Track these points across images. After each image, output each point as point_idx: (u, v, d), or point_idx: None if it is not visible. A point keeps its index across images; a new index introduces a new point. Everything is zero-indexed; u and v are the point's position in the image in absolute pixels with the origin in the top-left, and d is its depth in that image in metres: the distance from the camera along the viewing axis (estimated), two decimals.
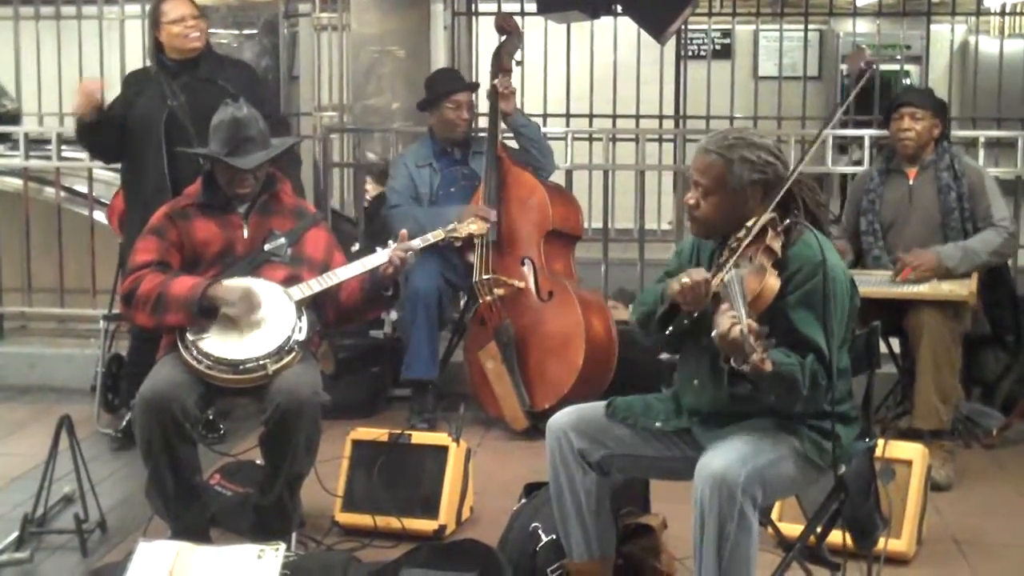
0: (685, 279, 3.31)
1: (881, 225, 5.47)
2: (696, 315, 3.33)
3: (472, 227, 4.74)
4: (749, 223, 3.33)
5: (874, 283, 5.22)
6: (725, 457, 3.23)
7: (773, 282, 3.19)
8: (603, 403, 3.65)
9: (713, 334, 3.11)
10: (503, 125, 6.16)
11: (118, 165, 5.82)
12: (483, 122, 6.45)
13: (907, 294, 5.17)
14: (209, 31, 5.68)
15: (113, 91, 5.70)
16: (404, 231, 4.40)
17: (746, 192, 3.38)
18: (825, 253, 3.29)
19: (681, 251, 3.70)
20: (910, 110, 5.40)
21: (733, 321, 3.04)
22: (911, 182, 5.45)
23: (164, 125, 5.38)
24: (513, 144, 6.23)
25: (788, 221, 3.34)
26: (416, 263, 4.81)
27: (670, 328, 3.43)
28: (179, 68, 5.50)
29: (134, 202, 5.58)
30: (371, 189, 7.20)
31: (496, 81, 6.11)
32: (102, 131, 5.44)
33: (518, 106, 6.31)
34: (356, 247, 6.38)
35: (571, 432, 3.58)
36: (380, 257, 4.31)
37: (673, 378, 3.67)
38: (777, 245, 3.27)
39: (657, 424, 3.58)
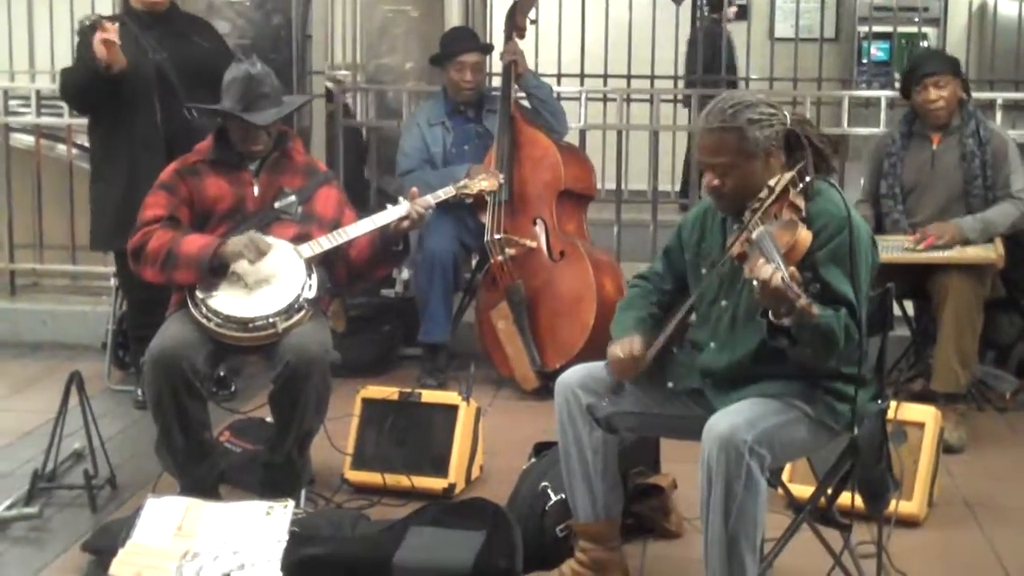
0: (615, 349, 3.48)
1: (902, 189, 5.41)
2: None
3: (483, 183, 4.72)
4: (771, 182, 3.29)
5: (895, 248, 5.19)
6: (733, 418, 3.22)
7: (806, 234, 3.15)
8: None
9: (754, 284, 3.06)
10: (516, 87, 6.13)
11: None
12: (497, 82, 6.40)
13: (933, 258, 5.13)
14: None
15: None
16: (415, 189, 4.38)
17: (764, 150, 3.34)
18: (849, 207, 3.27)
19: (682, 227, 3.67)
20: (933, 79, 5.30)
21: (775, 269, 3.00)
22: (935, 147, 5.38)
23: (155, 80, 5.30)
24: (526, 103, 6.19)
25: (808, 178, 3.30)
26: (431, 226, 4.82)
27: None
28: (152, 21, 5.42)
29: (113, 156, 5.45)
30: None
31: (504, 49, 6.06)
32: (109, 83, 5.23)
33: (531, 67, 6.27)
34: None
35: (579, 389, 3.58)
36: (391, 214, 4.30)
37: (684, 339, 3.65)
38: (801, 201, 3.24)
39: (669, 384, 3.56)
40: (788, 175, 3.28)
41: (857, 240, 3.26)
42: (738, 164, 3.32)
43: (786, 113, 3.40)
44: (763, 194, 3.29)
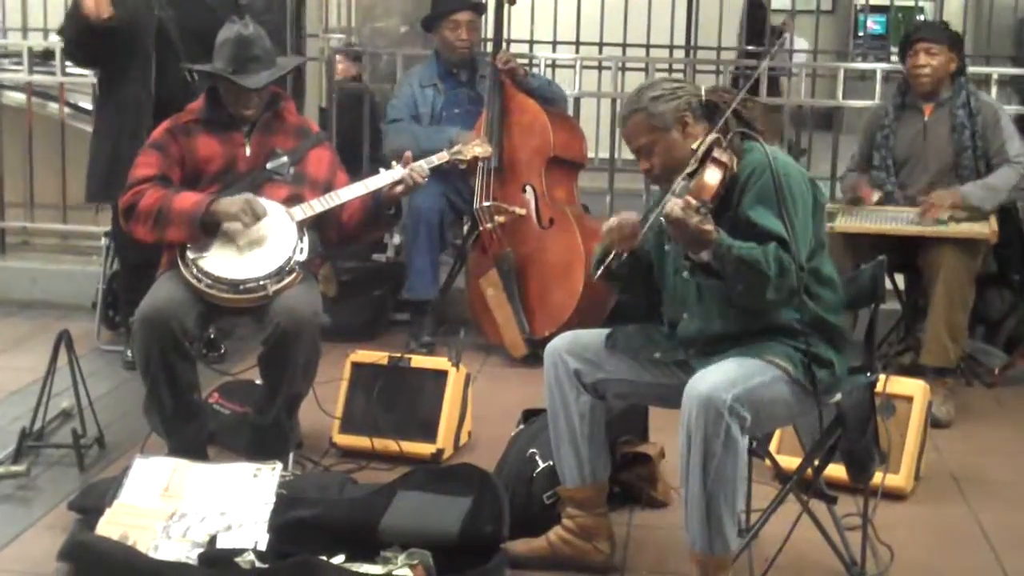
0: (613, 219, 3.49)
1: (895, 161, 5.42)
2: (625, 255, 3.48)
3: (477, 150, 4.72)
4: (695, 146, 3.41)
5: (890, 219, 5.19)
6: (714, 377, 3.24)
7: (712, 173, 3.28)
8: (603, 331, 3.64)
9: (661, 219, 3.22)
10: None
11: None
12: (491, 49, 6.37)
13: (926, 231, 5.13)
14: None
15: None
16: (408, 153, 4.37)
17: (677, 120, 3.47)
18: (771, 152, 3.34)
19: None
20: (925, 45, 5.32)
21: (674, 203, 3.16)
22: (926, 118, 5.39)
23: (155, 35, 5.27)
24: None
25: (731, 135, 3.39)
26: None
27: (606, 268, 3.55)
28: None
29: (111, 109, 5.45)
30: (341, 69, 7.09)
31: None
32: (102, 35, 5.16)
33: (524, 34, 6.24)
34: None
35: (568, 355, 3.59)
36: (384, 178, 4.28)
37: (663, 313, 3.66)
38: (726, 157, 3.32)
39: (656, 355, 3.57)
40: (711, 137, 3.39)
41: (785, 178, 3.31)
42: (656, 140, 3.48)
43: (700, 87, 3.55)
44: (691, 159, 3.40)
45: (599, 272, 3.57)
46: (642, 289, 3.66)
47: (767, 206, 3.30)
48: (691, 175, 3.34)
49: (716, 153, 3.32)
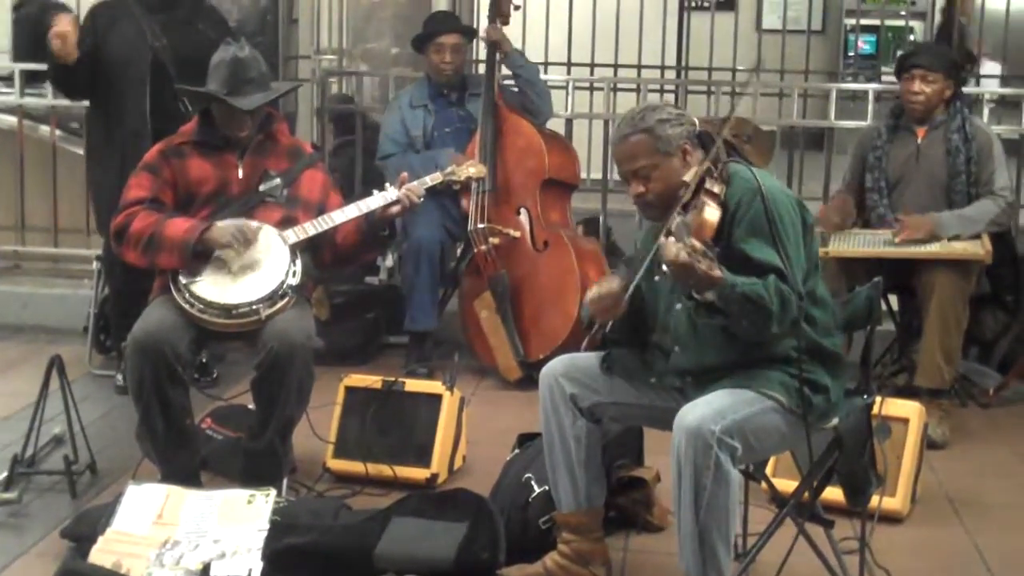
0: (593, 290, 3.45)
1: (887, 182, 5.41)
2: (614, 323, 3.43)
3: (471, 170, 4.71)
4: (686, 177, 3.37)
5: (883, 243, 5.19)
6: (702, 409, 3.22)
7: (711, 211, 3.23)
8: (598, 354, 3.62)
9: (663, 266, 3.15)
10: (502, 67, 6.10)
11: None
12: (483, 70, 6.38)
13: (920, 253, 5.12)
14: None
15: None
16: (404, 174, 4.36)
17: (679, 147, 3.42)
18: (760, 179, 3.30)
19: (640, 239, 3.71)
20: (921, 72, 5.29)
21: (679, 247, 3.08)
22: (919, 141, 5.37)
23: (150, 67, 5.26)
24: (514, 88, 6.15)
25: (720, 164, 3.36)
26: (417, 213, 4.79)
27: (591, 340, 3.53)
28: (157, 4, 5.38)
29: (107, 141, 5.45)
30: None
31: (486, 29, 6.04)
32: (78, 71, 5.24)
33: (518, 48, 6.24)
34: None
35: (563, 378, 3.57)
36: (378, 199, 4.28)
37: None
38: (718, 188, 3.29)
39: (652, 380, 3.56)
40: (702, 167, 3.35)
41: (774, 205, 3.28)
42: (657, 164, 3.42)
43: (695, 119, 3.49)
44: (682, 191, 3.35)
45: (584, 345, 3.57)
46: (636, 339, 3.62)
47: (760, 237, 3.27)
48: (685, 208, 3.30)
49: (708, 184, 3.28)
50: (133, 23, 5.33)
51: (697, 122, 3.48)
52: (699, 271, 3.06)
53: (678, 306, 3.44)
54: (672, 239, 3.14)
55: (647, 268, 3.41)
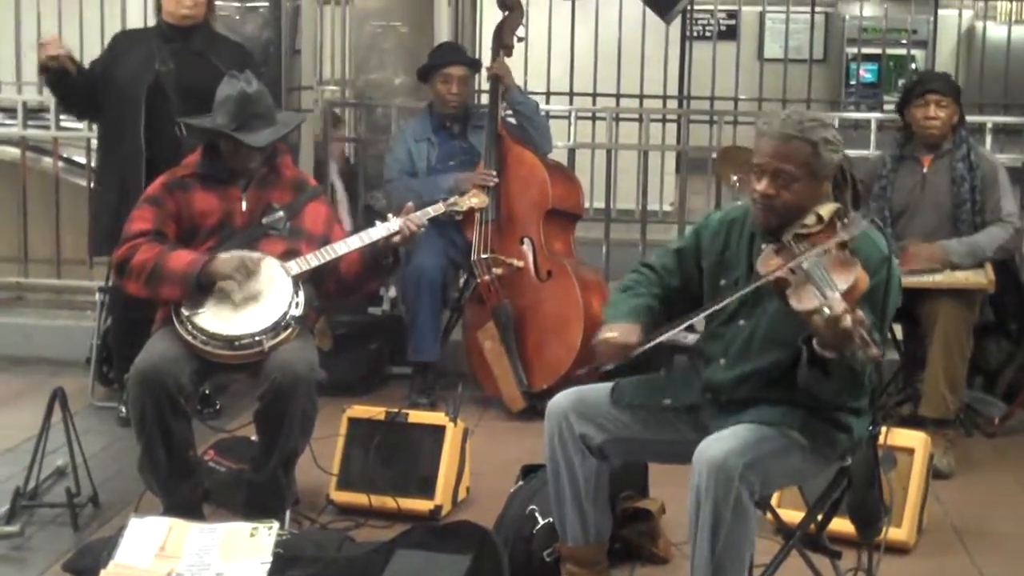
0: (609, 334, 3.38)
1: (892, 212, 5.40)
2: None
3: (473, 200, 4.71)
4: (820, 211, 3.24)
5: None
6: (726, 443, 3.19)
7: (865, 276, 3.07)
8: (606, 386, 3.59)
9: (815, 312, 2.96)
10: (503, 102, 6.11)
11: None
12: (485, 99, 6.39)
13: (924, 283, 5.12)
14: (216, 3, 5.61)
15: None
16: (410, 204, 4.36)
17: (827, 175, 3.30)
18: (892, 250, 3.23)
19: (703, 229, 3.57)
20: (936, 97, 5.30)
21: (846, 309, 2.92)
22: (925, 170, 5.37)
23: (147, 89, 5.29)
24: (512, 120, 6.16)
25: (852, 213, 3.25)
26: (419, 242, 4.79)
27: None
28: (173, 33, 5.41)
29: (109, 164, 5.52)
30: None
31: (490, 64, 6.05)
32: (73, 84, 5.35)
33: (519, 83, 6.25)
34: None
35: (572, 415, 3.52)
36: (380, 230, 4.27)
37: (674, 361, 3.63)
38: (847, 236, 3.15)
39: (666, 401, 3.52)
40: (834, 205, 3.25)
41: (892, 282, 3.21)
42: (801, 178, 3.26)
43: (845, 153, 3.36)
44: (810, 220, 3.24)
45: (583, 372, 3.58)
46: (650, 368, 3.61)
47: (872, 308, 3.14)
48: (804, 237, 3.17)
49: (839, 229, 3.14)
50: (146, 48, 5.38)
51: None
52: (863, 350, 2.91)
53: (741, 322, 3.38)
54: (815, 291, 2.98)
55: (732, 285, 3.35)
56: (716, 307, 3.36)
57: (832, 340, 2.97)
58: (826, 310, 2.92)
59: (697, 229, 3.62)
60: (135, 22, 6.72)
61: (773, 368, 3.30)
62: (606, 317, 3.54)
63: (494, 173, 5.70)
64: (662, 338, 3.36)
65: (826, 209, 3.24)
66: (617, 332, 3.40)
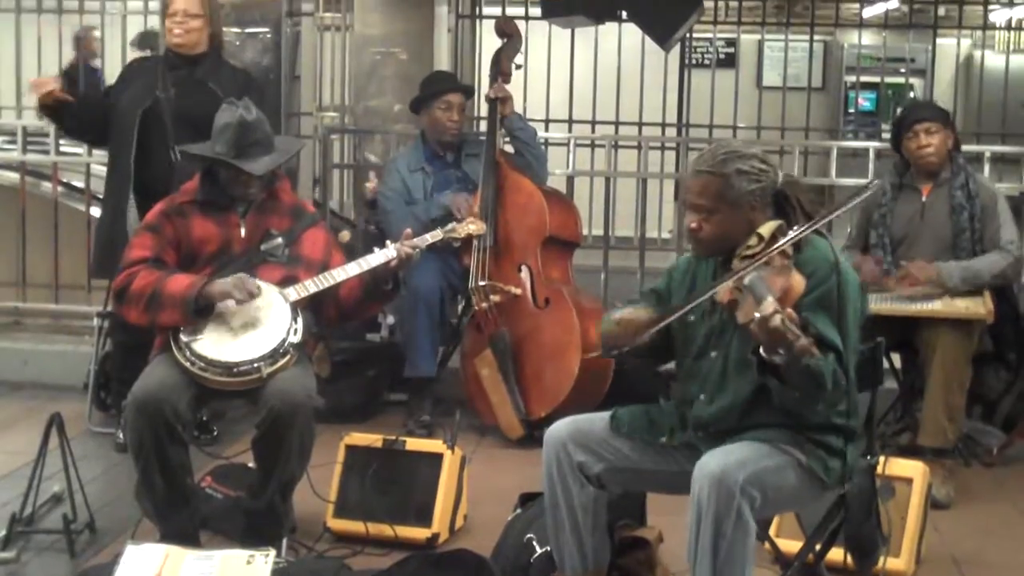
0: (628, 310, 3.45)
1: (891, 240, 5.40)
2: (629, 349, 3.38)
3: (471, 227, 4.72)
4: (761, 230, 3.31)
5: (885, 299, 5.18)
6: (725, 458, 3.21)
7: (799, 279, 3.16)
8: (604, 415, 3.60)
9: (751, 326, 3.04)
10: (501, 128, 6.12)
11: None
12: (483, 126, 6.40)
13: (922, 311, 5.12)
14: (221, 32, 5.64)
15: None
16: (409, 230, 4.37)
17: (748, 203, 3.38)
18: (838, 256, 3.29)
19: (673, 271, 3.68)
20: (924, 125, 5.32)
21: (775, 309, 2.99)
22: (924, 198, 5.38)
23: (141, 114, 5.31)
24: (509, 148, 6.17)
25: (798, 229, 3.30)
26: (417, 265, 4.79)
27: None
28: (178, 62, 5.44)
29: (108, 187, 5.56)
30: (371, 187, 7.14)
31: (491, 88, 6.06)
32: (66, 116, 5.44)
33: (518, 110, 6.26)
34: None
35: (571, 444, 3.53)
36: (378, 256, 4.28)
37: (671, 391, 3.63)
38: (790, 249, 3.24)
39: (662, 439, 3.54)
40: (775, 223, 3.31)
41: (845, 286, 3.26)
42: (719, 210, 3.37)
43: (779, 173, 3.43)
44: (752, 241, 3.31)
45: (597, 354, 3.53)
46: (654, 359, 3.60)
47: (827, 313, 3.23)
48: (750, 258, 3.23)
49: (785, 246, 3.22)
50: (150, 75, 5.41)
51: (780, 179, 3.42)
52: (794, 344, 2.97)
53: (713, 354, 3.41)
54: (752, 298, 3.07)
55: (699, 320, 3.40)
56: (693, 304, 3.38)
57: (767, 341, 3.05)
58: (756, 315, 3.02)
59: (669, 271, 3.71)
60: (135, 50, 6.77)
61: (752, 393, 3.33)
62: (601, 324, 3.58)
63: (483, 226, 5.61)
64: (673, 318, 3.37)
65: (766, 228, 3.32)
66: (625, 313, 3.46)
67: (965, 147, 5.63)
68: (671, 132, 8.86)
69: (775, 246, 3.22)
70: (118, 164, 5.41)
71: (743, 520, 3.15)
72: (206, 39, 5.47)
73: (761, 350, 3.11)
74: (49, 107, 5.38)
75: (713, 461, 3.20)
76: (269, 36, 7.54)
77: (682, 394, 3.55)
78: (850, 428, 3.38)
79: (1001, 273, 5.26)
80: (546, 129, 8.07)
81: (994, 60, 9.88)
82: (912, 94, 9.81)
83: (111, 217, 5.39)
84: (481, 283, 5.86)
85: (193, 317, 4.09)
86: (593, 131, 8.41)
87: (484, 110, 6.30)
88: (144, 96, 5.34)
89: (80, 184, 7.12)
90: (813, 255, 3.31)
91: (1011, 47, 10.39)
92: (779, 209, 3.41)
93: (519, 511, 4.18)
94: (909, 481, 4.30)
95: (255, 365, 4.05)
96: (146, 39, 7.52)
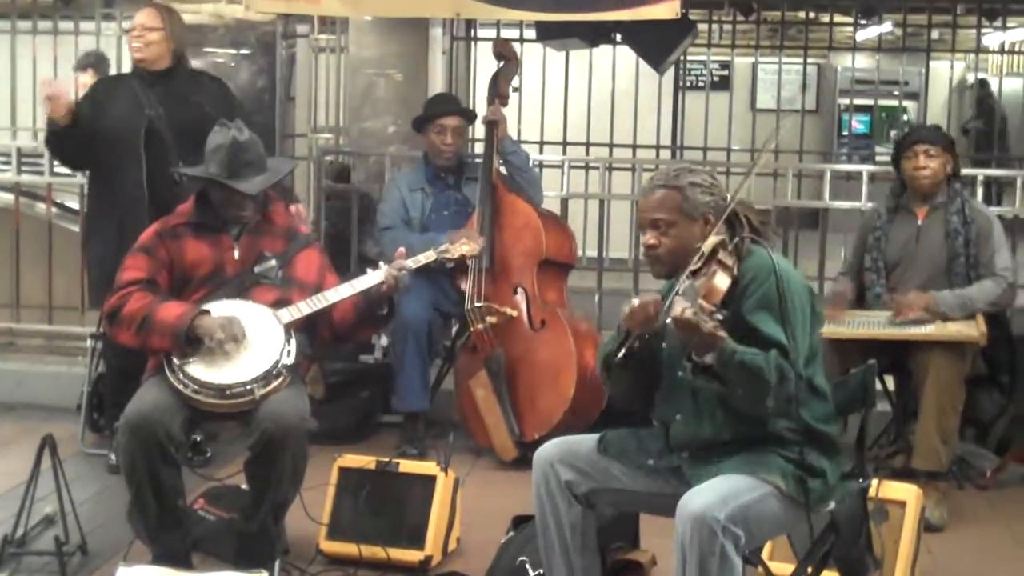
0: (634, 300, 3.46)
1: (886, 263, 5.41)
2: (647, 337, 3.44)
3: (464, 248, 4.71)
4: (703, 246, 3.41)
5: (877, 324, 5.19)
6: (706, 496, 3.22)
7: (721, 278, 3.29)
8: (593, 436, 3.62)
9: (667, 320, 3.22)
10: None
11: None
12: (479, 148, 6.41)
13: (915, 335, 5.13)
14: (202, 49, 5.65)
15: None
16: (402, 249, 4.37)
17: (703, 214, 3.48)
18: (776, 259, 3.39)
19: (661, 292, 3.68)
20: (924, 147, 5.33)
21: (686, 306, 3.15)
22: (920, 222, 5.40)
23: (144, 134, 5.31)
24: (503, 170, 6.18)
25: (737, 239, 3.43)
26: (407, 292, 4.78)
27: (623, 352, 3.48)
28: (153, 79, 5.45)
29: (106, 211, 5.51)
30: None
31: (488, 111, 6.08)
32: (73, 137, 5.36)
33: (512, 133, 6.27)
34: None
35: (558, 464, 3.55)
36: (372, 278, 4.28)
37: (655, 412, 3.64)
38: (730, 261, 3.35)
39: (650, 462, 3.55)
40: (716, 237, 3.41)
41: (787, 284, 3.34)
42: (676, 222, 3.48)
43: (723, 191, 3.56)
44: (695, 257, 3.40)
45: (620, 355, 3.50)
46: (646, 382, 3.61)
47: (769, 312, 3.33)
48: (694, 274, 3.34)
49: (722, 256, 3.34)
50: (131, 94, 5.41)
51: (728, 197, 3.53)
52: (703, 329, 3.12)
53: (680, 373, 3.43)
54: (680, 298, 3.21)
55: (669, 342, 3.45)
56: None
57: (687, 337, 3.21)
58: (670, 318, 3.17)
59: (659, 291, 3.71)
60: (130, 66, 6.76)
61: (720, 412, 3.38)
62: (605, 342, 3.63)
63: (482, 240, 5.60)
64: (661, 316, 3.40)
65: (707, 243, 3.40)
66: (630, 304, 3.47)
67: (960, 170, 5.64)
68: (665, 154, 8.87)
69: (700, 261, 3.34)
70: (123, 186, 5.37)
71: (727, 559, 3.16)
72: (168, 53, 5.47)
73: (692, 354, 3.24)
74: (57, 127, 5.32)
75: (695, 500, 3.22)
76: (264, 57, 7.57)
77: (662, 416, 3.59)
78: (828, 437, 3.42)
79: (996, 301, 5.27)
80: (541, 151, 8.09)
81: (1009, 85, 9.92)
82: (906, 117, 9.83)
83: (117, 241, 5.24)
84: (477, 304, 5.85)
85: (184, 346, 4.09)
86: (587, 153, 8.41)
87: (481, 132, 6.30)
88: (135, 116, 5.34)
89: (74, 205, 7.12)
90: (752, 262, 3.42)
91: (1004, 70, 10.43)
92: (730, 227, 3.48)
93: (512, 534, 4.18)
94: (903, 504, 4.29)
95: (248, 387, 4.05)
96: (93, 59, 7.43)
